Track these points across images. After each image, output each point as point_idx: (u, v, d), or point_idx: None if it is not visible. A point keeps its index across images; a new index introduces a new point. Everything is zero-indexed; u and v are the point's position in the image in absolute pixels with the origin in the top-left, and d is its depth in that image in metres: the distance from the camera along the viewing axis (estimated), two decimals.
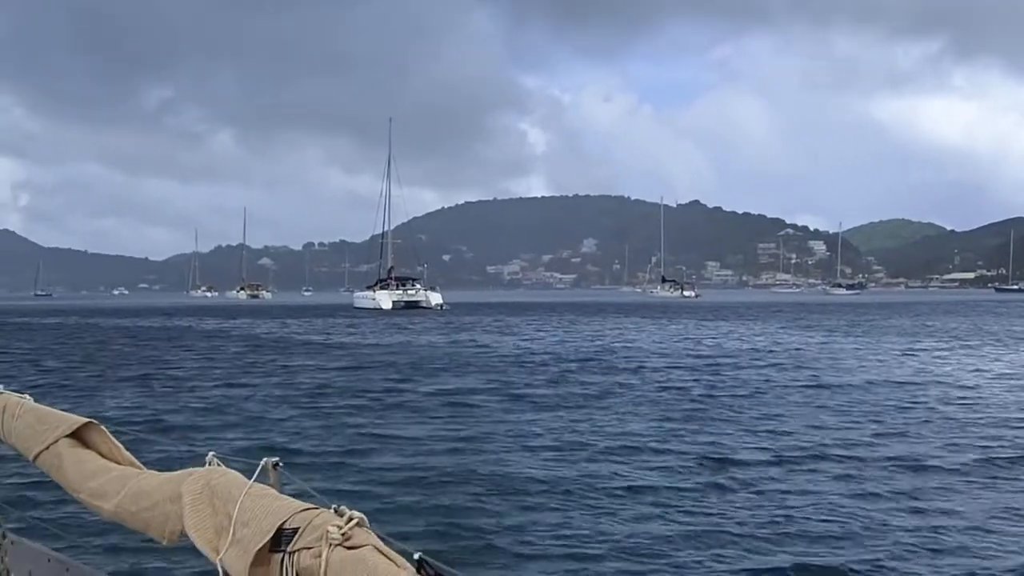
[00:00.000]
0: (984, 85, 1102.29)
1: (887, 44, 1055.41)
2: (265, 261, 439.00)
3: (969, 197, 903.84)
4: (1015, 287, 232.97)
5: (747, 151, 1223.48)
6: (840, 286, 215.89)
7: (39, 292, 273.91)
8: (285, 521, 1.91)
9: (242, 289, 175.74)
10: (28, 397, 3.14)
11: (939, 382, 23.94)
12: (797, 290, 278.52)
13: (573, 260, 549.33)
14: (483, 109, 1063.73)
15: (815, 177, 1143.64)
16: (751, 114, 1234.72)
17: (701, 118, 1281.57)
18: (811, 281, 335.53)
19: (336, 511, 1.87)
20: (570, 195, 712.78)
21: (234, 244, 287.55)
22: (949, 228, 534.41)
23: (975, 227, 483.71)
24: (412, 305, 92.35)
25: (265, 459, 2.27)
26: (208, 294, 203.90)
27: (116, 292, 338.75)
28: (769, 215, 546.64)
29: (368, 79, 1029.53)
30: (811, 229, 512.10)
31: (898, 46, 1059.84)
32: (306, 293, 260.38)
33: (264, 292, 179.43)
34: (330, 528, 1.79)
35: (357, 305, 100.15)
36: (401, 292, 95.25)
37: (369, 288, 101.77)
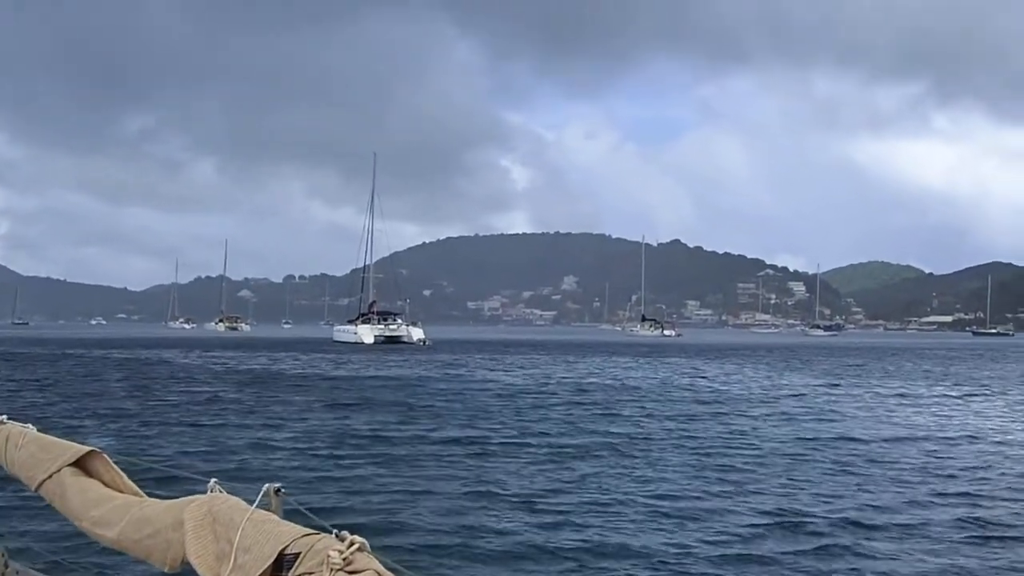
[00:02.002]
0: (966, 128, 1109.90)
1: (868, 86, 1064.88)
2: (245, 293, 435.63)
3: (948, 240, 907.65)
4: (993, 331, 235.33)
5: (728, 190, 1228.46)
6: (819, 327, 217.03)
7: (16, 321, 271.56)
8: (286, 546, 1.90)
9: (220, 321, 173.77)
10: (31, 427, 3.15)
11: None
12: (776, 330, 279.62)
13: (554, 297, 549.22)
14: (466, 144, 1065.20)
15: (795, 218, 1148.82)
16: (732, 153, 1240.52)
17: (683, 157, 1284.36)
18: (790, 322, 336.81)
19: (338, 536, 1.87)
20: (552, 232, 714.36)
21: (214, 275, 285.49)
22: (928, 271, 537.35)
23: (954, 270, 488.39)
24: (393, 340, 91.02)
25: (267, 484, 2.27)
26: (186, 326, 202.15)
27: (93, 322, 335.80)
28: (749, 255, 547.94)
29: (351, 110, 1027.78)
30: (791, 270, 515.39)
31: (879, 88, 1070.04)
32: (286, 326, 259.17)
33: (243, 325, 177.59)
34: (331, 553, 1.78)
35: (337, 339, 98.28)
36: (383, 327, 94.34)
37: (351, 322, 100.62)
